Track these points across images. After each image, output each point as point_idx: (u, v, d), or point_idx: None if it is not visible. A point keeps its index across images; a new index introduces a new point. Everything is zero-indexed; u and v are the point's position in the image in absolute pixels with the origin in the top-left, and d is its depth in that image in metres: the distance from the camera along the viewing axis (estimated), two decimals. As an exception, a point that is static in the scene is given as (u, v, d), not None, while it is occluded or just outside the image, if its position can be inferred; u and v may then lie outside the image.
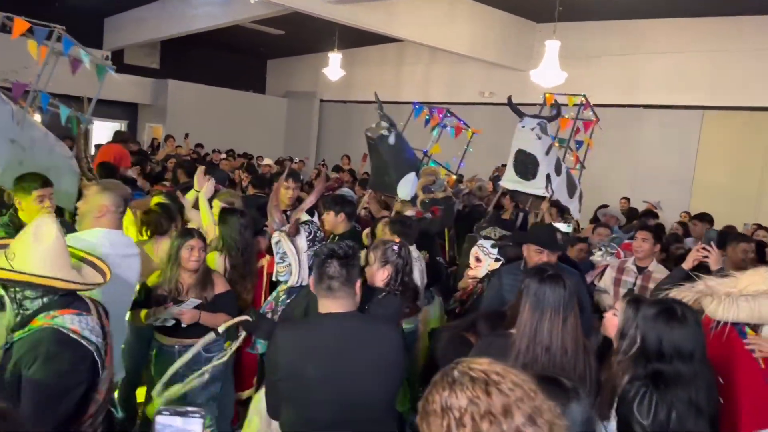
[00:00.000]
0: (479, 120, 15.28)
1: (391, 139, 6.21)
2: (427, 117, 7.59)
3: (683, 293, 2.89)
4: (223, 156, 12.22)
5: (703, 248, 3.85)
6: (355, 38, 14.51)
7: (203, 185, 4.46)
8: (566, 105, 7.91)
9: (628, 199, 10.96)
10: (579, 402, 1.66)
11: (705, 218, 7.24)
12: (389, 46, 16.47)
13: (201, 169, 4.70)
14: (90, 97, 5.04)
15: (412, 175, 6.10)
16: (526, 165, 6.56)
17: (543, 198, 6.61)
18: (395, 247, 3.05)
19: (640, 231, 4.80)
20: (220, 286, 3.57)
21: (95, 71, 4.86)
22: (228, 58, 18.66)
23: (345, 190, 6.68)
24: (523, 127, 6.54)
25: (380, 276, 2.99)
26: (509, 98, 6.89)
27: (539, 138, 6.57)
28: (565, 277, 2.44)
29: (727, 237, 5.27)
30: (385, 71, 16.96)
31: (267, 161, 12.11)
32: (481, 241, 4.36)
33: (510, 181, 6.74)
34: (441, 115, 7.43)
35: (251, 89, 19.04)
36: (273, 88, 20.18)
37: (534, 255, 3.68)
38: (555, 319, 2.33)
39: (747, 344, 2.71)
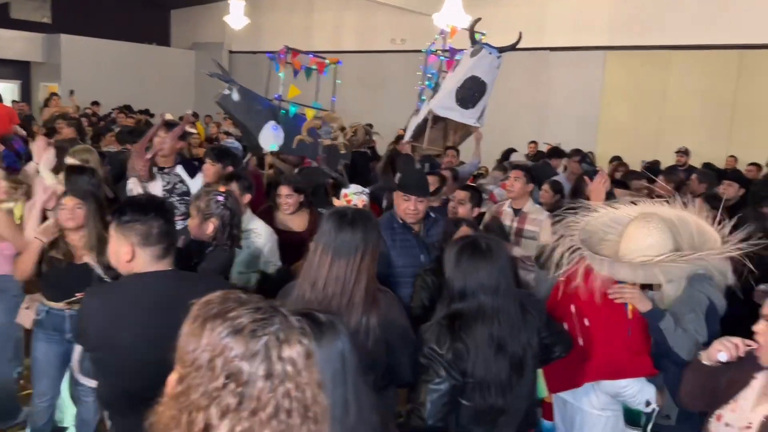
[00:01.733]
0: (392, 68, 15.12)
1: (235, 96, 6.02)
2: (288, 61, 7.01)
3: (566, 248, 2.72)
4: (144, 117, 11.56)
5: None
6: (259, -16, 13.88)
7: (41, 156, 4.06)
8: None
9: (535, 143, 11.08)
10: (323, 339, 1.54)
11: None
12: (297, -9, 15.91)
13: (39, 138, 4.28)
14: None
15: (270, 124, 5.92)
16: (473, 92, 6.37)
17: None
18: (220, 198, 2.86)
19: (513, 170, 4.73)
20: None
21: None
22: (127, 9, 17.55)
23: (230, 142, 6.38)
24: (490, 53, 6.33)
25: (205, 229, 2.81)
26: (475, 21, 6.62)
27: (497, 68, 6.44)
28: (361, 225, 2.25)
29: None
30: (295, 19, 16.39)
31: (168, 116, 11.51)
32: (354, 187, 4.29)
33: (443, 108, 6.53)
34: (296, 57, 6.89)
35: (154, 42, 18.05)
36: (178, 40, 19.21)
37: (401, 202, 3.51)
38: (323, 257, 2.21)
39: (611, 293, 2.61)
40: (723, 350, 2.13)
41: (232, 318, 1.11)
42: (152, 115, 12.47)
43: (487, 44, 6.50)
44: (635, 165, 9.16)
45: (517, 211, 4.65)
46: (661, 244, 2.53)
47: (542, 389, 2.89)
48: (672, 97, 11.77)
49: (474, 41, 6.56)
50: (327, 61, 6.93)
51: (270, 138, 5.84)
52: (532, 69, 12.52)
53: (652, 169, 7.94)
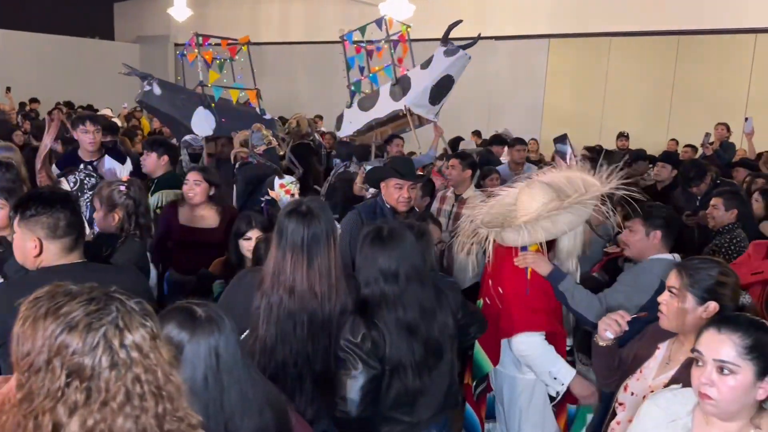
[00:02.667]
0: (341, 58, 15.03)
1: (156, 90, 6.00)
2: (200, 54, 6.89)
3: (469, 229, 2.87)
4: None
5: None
6: (202, -24, 13.62)
7: None
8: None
9: (478, 133, 11.18)
10: (194, 334, 1.52)
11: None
12: (242, -18, 15.68)
13: None
14: None
15: (200, 110, 5.93)
16: (441, 90, 6.63)
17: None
18: (122, 188, 2.84)
19: (451, 159, 4.92)
20: None
21: None
22: (68, 3, 17.01)
23: (191, 137, 6.26)
24: (465, 53, 6.59)
25: (110, 221, 2.79)
26: (454, 23, 6.71)
27: (464, 67, 6.72)
28: (321, 213, 2.29)
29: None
30: (240, 11, 16.18)
31: (105, 111, 11.26)
32: (289, 177, 4.28)
33: (416, 105, 6.67)
34: (206, 44, 6.81)
35: (97, 36, 17.57)
36: (122, 34, 18.74)
37: (394, 191, 3.41)
38: (298, 259, 2.20)
39: (515, 261, 2.74)
40: (607, 329, 2.24)
41: (65, 314, 1.07)
42: (96, 111, 12.16)
43: (451, 42, 6.63)
44: (578, 150, 9.39)
45: (458, 197, 4.84)
46: (545, 203, 2.64)
47: (486, 364, 2.95)
48: (613, 83, 12.06)
49: (446, 40, 6.68)
50: (238, 43, 6.83)
51: (203, 124, 5.84)
52: (477, 58, 12.57)
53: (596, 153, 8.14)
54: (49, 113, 11.09)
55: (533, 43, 12.48)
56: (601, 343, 2.30)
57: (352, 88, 7.06)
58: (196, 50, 6.44)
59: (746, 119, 7.16)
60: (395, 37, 6.99)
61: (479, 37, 6.83)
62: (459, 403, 2.67)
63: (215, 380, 1.50)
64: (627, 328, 2.23)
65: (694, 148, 9.07)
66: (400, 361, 2.21)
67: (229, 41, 6.81)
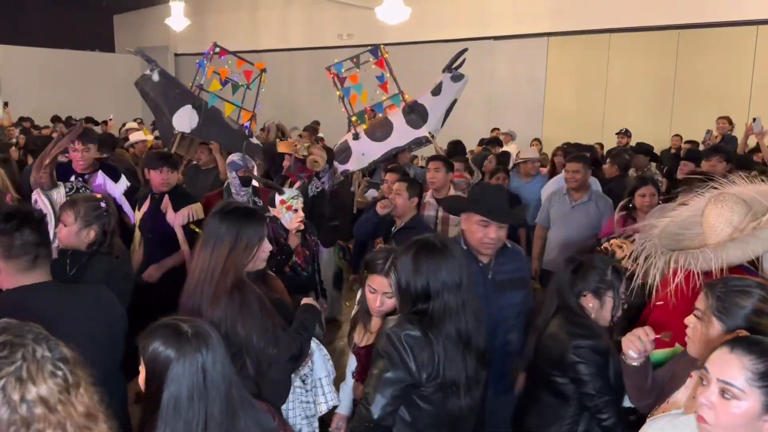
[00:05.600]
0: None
1: (155, 77, 6.05)
2: (215, 70, 6.83)
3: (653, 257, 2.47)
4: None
5: None
6: (200, -15, 13.63)
7: None
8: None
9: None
10: (180, 352, 1.52)
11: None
12: (240, -10, 15.70)
13: None
14: None
15: (188, 107, 5.92)
16: (447, 114, 6.73)
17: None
18: (102, 204, 2.77)
19: (432, 161, 4.75)
20: None
21: None
22: (67, 16, 17.07)
23: (237, 157, 6.15)
24: (466, 78, 6.68)
25: (82, 237, 2.70)
26: (461, 52, 6.73)
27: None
28: (235, 218, 2.34)
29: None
30: (239, 18, 16.18)
31: (131, 125, 11.26)
32: (290, 191, 4.13)
33: (435, 130, 6.78)
34: (223, 57, 6.76)
35: (97, 48, 17.62)
36: (123, 45, 18.75)
37: (476, 228, 2.81)
38: (200, 245, 2.35)
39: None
40: (630, 346, 2.05)
41: None
42: (97, 123, 12.19)
43: (457, 71, 6.70)
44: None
45: (439, 201, 4.60)
46: (737, 219, 2.36)
47: None
48: (614, 80, 11.96)
49: (450, 69, 6.71)
50: (253, 67, 6.76)
51: (185, 120, 5.82)
52: (477, 59, 12.54)
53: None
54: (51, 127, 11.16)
55: (532, 42, 12.41)
56: (627, 362, 2.11)
57: (356, 119, 6.94)
58: (213, 65, 6.42)
59: (754, 119, 6.79)
60: (373, 64, 6.90)
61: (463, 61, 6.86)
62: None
63: (202, 399, 1.52)
64: (651, 348, 2.04)
65: (696, 144, 8.96)
66: (455, 378, 2.14)
67: (245, 63, 6.77)
